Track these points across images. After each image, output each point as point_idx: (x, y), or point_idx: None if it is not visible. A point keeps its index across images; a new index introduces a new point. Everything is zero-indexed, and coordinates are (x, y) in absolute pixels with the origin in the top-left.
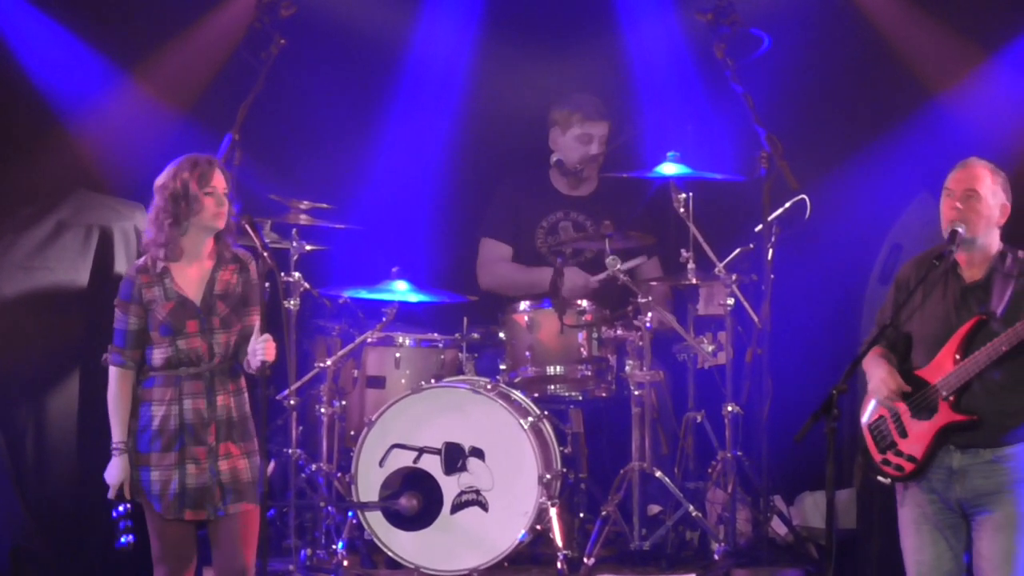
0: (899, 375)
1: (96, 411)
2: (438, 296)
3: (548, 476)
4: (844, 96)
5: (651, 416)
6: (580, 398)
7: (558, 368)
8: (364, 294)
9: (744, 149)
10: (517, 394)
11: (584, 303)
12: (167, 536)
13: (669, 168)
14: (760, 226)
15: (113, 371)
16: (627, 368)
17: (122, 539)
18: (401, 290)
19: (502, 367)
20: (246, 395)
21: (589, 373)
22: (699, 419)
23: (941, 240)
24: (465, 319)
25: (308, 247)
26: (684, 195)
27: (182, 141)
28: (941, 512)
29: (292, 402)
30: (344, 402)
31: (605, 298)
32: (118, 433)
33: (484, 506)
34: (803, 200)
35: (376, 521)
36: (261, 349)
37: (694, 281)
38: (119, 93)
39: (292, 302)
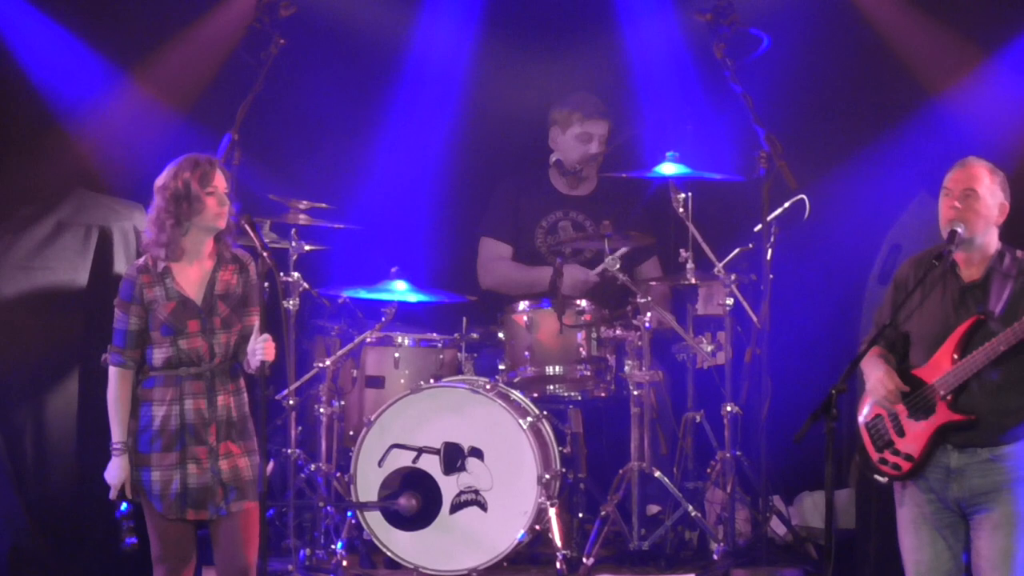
0: (897, 375)
1: (95, 411)
2: (437, 296)
3: (547, 476)
4: (843, 96)
5: (650, 416)
6: (579, 398)
7: (557, 368)
8: (363, 294)
9: (743, 149)
10: (516, 394)
11: (583, 303)
12: (168, 536)
13: (668, 168)
14: (759, 226)
15: (113, 371)
16: (626, 368)
17: (127, 540)
18: (400, 290)
19: (501, 367)
20: (246, 395)
21: (588, 373)
22: (698, 419)
23: (940, 240)
24: (464, 319)
25: (307, 247)
26: (683, 195)
27: (181, 141)
28: (939, 512)
29: (291, 402)
30: (343, 402)
31: (604, 298)
32: (118, 433)
33: (483, 506)
34: (802, 200)
35: (375, 521)
36: (260, 349)
37: (693, 281)
38: (118, 93)
39: (291, 302)
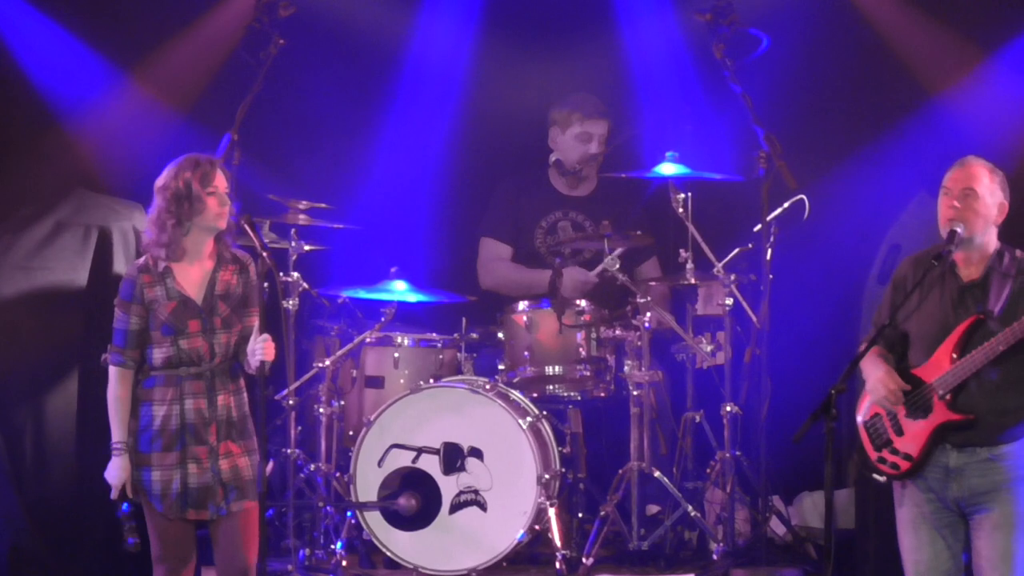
0: (897, 375)
1: (95, 411)
2: (437, 296)
3: (547, 476)
4: (843, 96)
5: (650, 416)
6: (579, 398)
7: (557, 368)
8: (363, 294)
9: (743, 149)
10: (516, 394)
11: (583, 303)
12: (168, 536)
13: (668, 168)
14: (759, 226)
15: (113, 371)
16: (626, 368)
17: (129, 539)
18: (400, 290)
19: (501, 367)
20: (245, 395)
21: (588, 373)
22: (698, 419)
23: (940, 240)
24: (464, 319)
25: (307, 247)
26: (683, 195)
27: (181, 141)
28: (939, 511)
29: (291, 402)
30: (343, 402)
31: (604, 298)
32: (118, 433)
33: (483, 506)
34: (802, 200)
35: (375, 521)
36: (260, 349)
37: (693, 281)
38: (118, 93)
39: (291, 302)
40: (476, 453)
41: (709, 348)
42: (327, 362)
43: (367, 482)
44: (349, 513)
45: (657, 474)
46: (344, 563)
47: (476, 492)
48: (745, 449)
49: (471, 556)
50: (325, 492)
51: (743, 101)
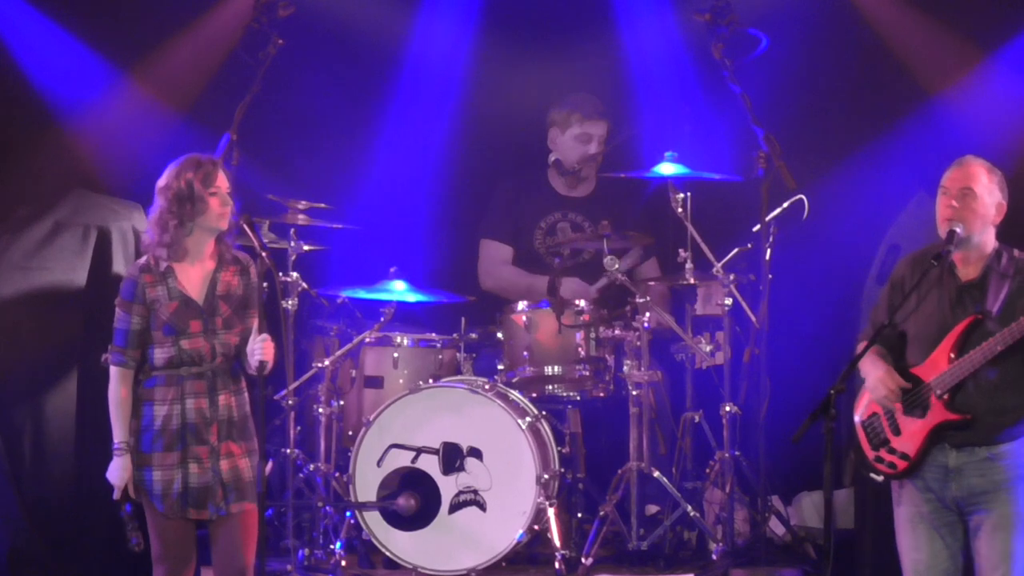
0: (896, 374)
1: (94, 411)
2: (436, 296)
3: (546, 476)
4: (842, 96)
5: (649, 416)
6: (578, 398)
7: (556, 368)
8: (362, 294)
9: (742, 149)
10: (515, 394)
11: (582, 303)
12: (168, 536)
13: (667, 168)
14: (758, 226)
15: (114, 371)
16: (625, 368)
17: (132, 539)
18: (399, 290)
19: (500, 367)
20: (247, 395)
21: (587, 373)
22: (697, 419)
23: (939, 240)
24: (463, 319)
25: (306, 247)
26: (682, 195)
27: (180, 141)
28: (937, 511)
29: (290, 402)
30: (342, 402)
31: (603, 298)
32: (120, 433)
33: (482, 506)
34: (801, 200)
35: (374, 521)
36: (259, 349)
37: (692, 281)
38: (117, 93)
39: (290, 302)
40: (475, 453)
41: (708, 348)
42: (326, 362)
43: (366, 482)
44: (348, 513)
45: (656, 474)
46: (343, 563)
47: (475, 492)
48: (744, 449)
49: (470, 556)
50: (324, 492)
51: (742, 101)
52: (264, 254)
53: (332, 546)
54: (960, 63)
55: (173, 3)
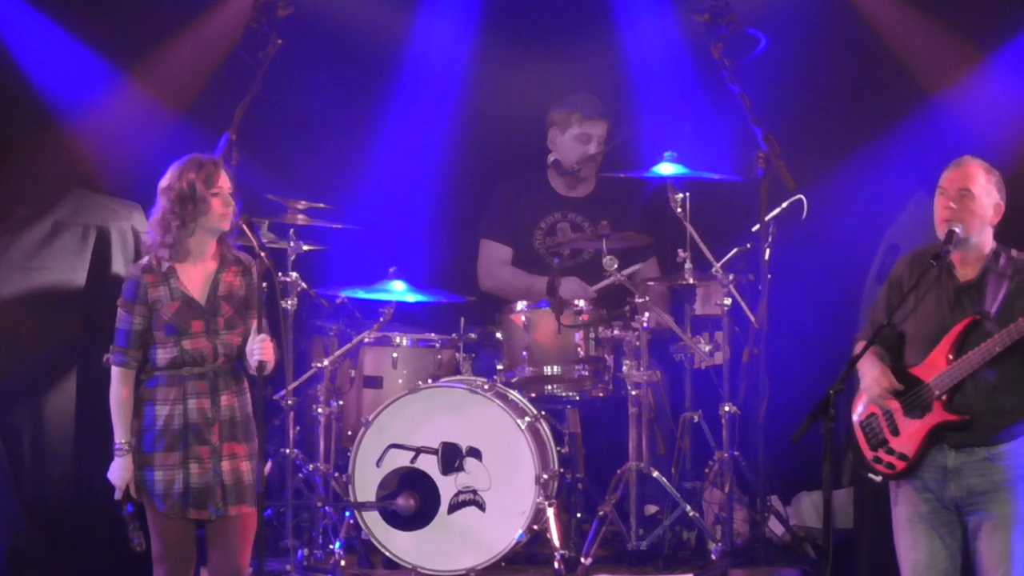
0: (892, 374)
1: (94, 411)
2: (435, 296)
3: (545, 476)
4: (841, 96)
5: (648, 416)
6: (577, 398)
7: (555, 368)
8: (361, 294)
9: (741, 149)
10: (514, 394)
11: (581, 303)
12: (169, 536)
13: (666, 168)
14: (757, 226)
15: (116, 371)
16: (624, 368)
17: (134, 539)
18: (398, 290)
19: (499, 367)
20: (249, 395)
21: (586, 373)
22: (696, 419)
23: (938, 240)
24: (462, 319)
25: (305, 247)
26: (681, 195)
27: (179, 141)
28: (936, 511)
29: (289, 402)
30: (341, 402)
31: (603, 298)
32: (121, 433)
33: (481, 506)
34: (800, 200)
35: (373, 521)
36: (258, 349)
37: (691, 281)
38: (116, 93)
39: (289, 302)
40: (475, 453)
41: (707, 348)
42: (325, 362)
43: (366, 482)
44: (348, 513)
45: (655, 474)
46: (343, 563)
47: (475, 492)
48: (743, 449)
49: (470, 556)
50: (324, 492)
51: (741, 101)
52: (263, 254)
53: (331, 546)
54: (960, 63)
55: (173, 3)
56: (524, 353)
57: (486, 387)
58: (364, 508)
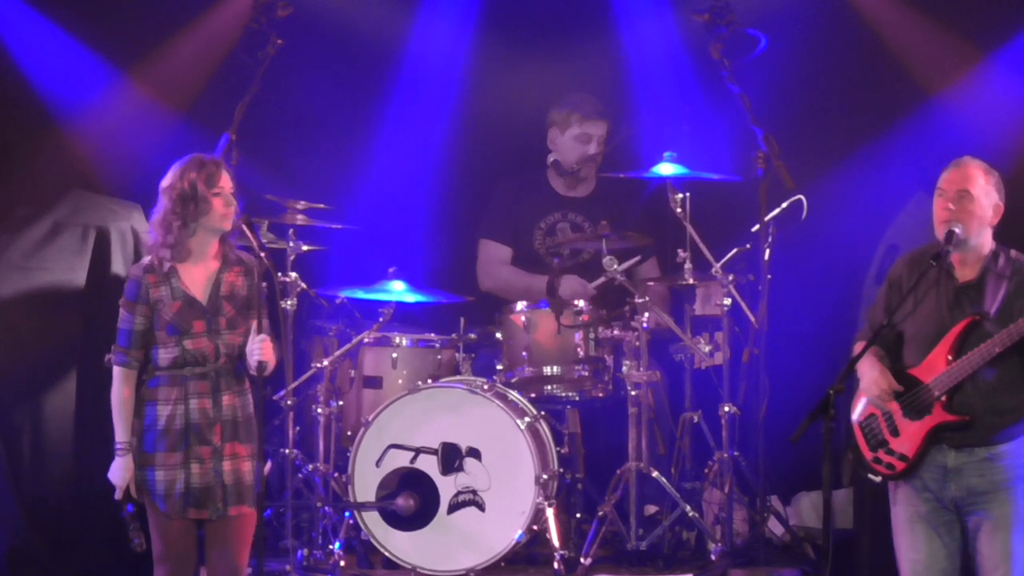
0: (891, 375)
1: (93, 411)
2: (435, 296)
3: (545, 476)
4: (841, 96)
5: (648, 416)
6: (577, 398)
7: (555, 368)
8: (361, 294)
9: (741, 149)
10: (514, 394)
11: (581, 303)
12: (170, 536)
13: (666, 168)
14: (757, 226)
15: (117, 371)
16: (624, 368)
17: (134, 539)
18: (398, 290)
19: (499, 367)
20: (251, 395)
21: (586, 373)
22: (696, 419)
23: (937, 241)
24: (462, 319)
25: (305, 247)
26: (681, 195)
27: (179, 141)
28: (935, 511)
29: (289, 402)
30: (341, 402)
31: (602, 298)
32: (122, 433)
33: (481, 506)
34: (800, 200)
35: (373, 521)
36: (257, 349)
37: (691, 281)
38: (116, 93)
39: (289, 302)
40: (474, 453)
41: (707, 348)
42: (325, 362)
43: (365, 482)
44: (347, 513)
45: (655, 474)
46: (342, 563)
47: (474, 492)
48: (743, 449)
49: (469, 556)
50: (323, 492)
51: (741, 101)
52: (263, 254)
53: (331, 546)
54: (959, 63)
55: (172, 3)
56: (524, 353)
57: (486, 387)
58: (364, 508)
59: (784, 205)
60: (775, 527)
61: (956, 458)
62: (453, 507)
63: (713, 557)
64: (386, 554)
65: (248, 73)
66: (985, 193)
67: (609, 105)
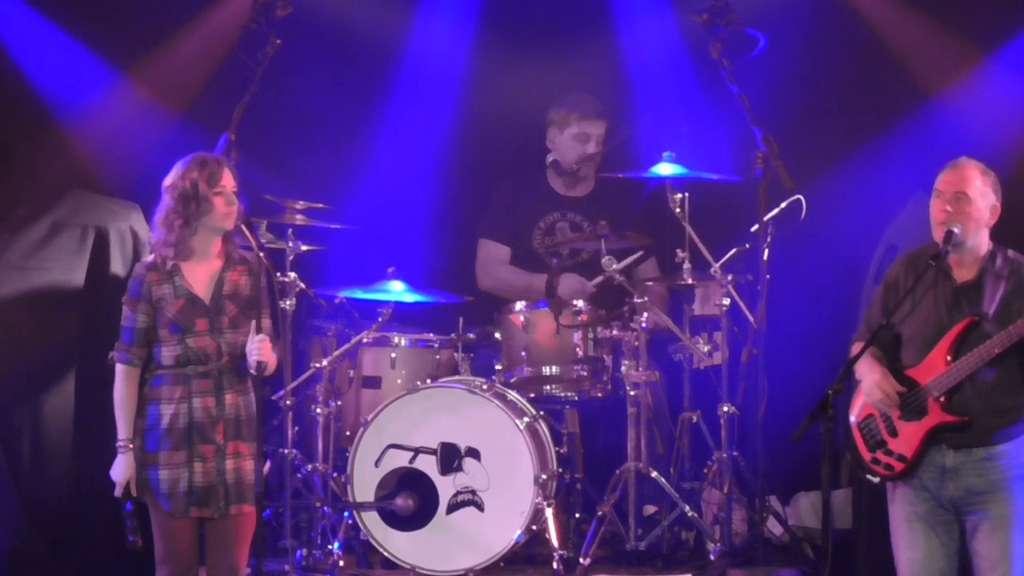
0: (893, 378)
1: (93, 411)
2: (434, 296)
3: (544, 476)
4: (840, 96)
5: (647, 416)
6: (576, 398)
7: (554, 368)
8: (360, 294)
9: (740, 149)
10: (513, 394)
11: (580, 303)
12: (174, 535)
13: (665, 168)
14: (756, 226)
15: (120, 369)
16: (623, 368)
17: (129, 537)
18: (397, 290)
19: (498, 367)
20: (253, 395)
21: (585, 373)
22: (695, 419)
23: (935, 241)
24: (461, 319)
25: (304, 247)
26: (680, 195)
27: (178, 141)
28: (933, 510)
29: (288, 402)
30: (340, 402)
31: (601, 298)
32: (124, 430)
33: (480, 506)
34: (799, 200)
35: (372, 521)
36: (256, 350)
37: (690, 281)
38: (115, 93)
39: (288, 302)
40: (473, 453)
41: (706, 348)
42: (324, 362)
43: (364, 482)
44: (346, 513)
45: (654, 474)
46: (341, 563)
47: (473, 492)
48: (742, 449)
49: (468, 556)
50: (322, 492)
51: (740, 101)
52: (262, 254)
53: (330, 546)
54: (959, 63)
55: (171, 3)
56: (523, 353)
57: (485, 387)
58: (363, 508)
59: (783, 205)
60: (774, 527)
61: (954, 458)
62: (452, 507)
63: (712, 557)
64: (385, 554)
65: (247, 73)
66: (982, 195)
67: (608, 105)
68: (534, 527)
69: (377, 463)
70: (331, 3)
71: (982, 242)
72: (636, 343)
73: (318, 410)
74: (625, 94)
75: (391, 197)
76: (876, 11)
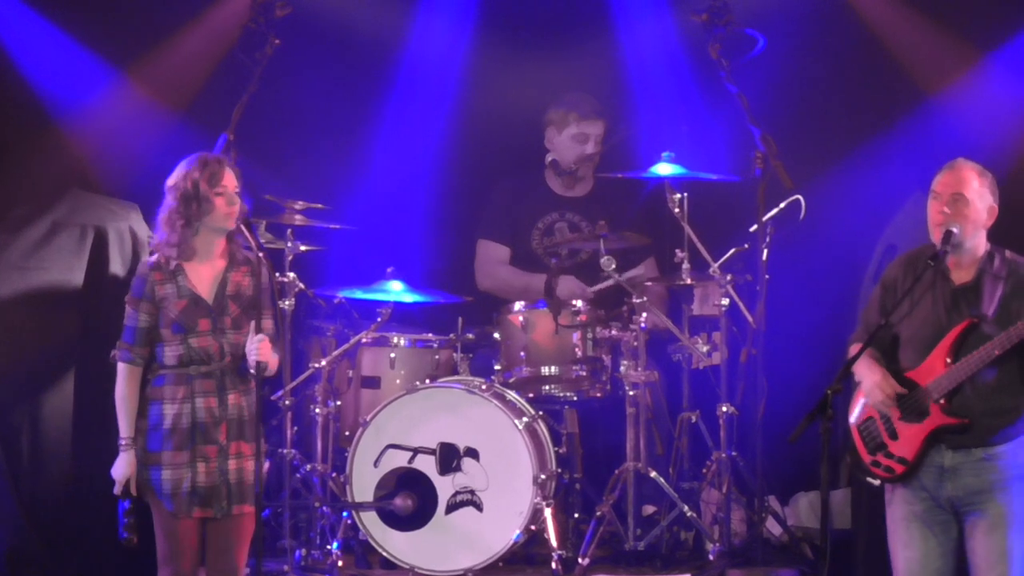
0: (893, 379)
1: (92, 411)
2: (433, 296)
3: (543, 476)
4: (839, 96)
5: (646, 416)
6: (575, 398)
7: (553, 368)
8: (359, 294)
9: (739, 149)
10: (512, 394)
11: (579, 303)
12: (176, 536)
13: (664, 168)
14: (755, 226)
15: (121, 367)
16: (622, 368)
17: (123, 534)
18: (396, 290)
19: (497, 367)
20: (255, 395)
21: (584, 373)
22: (694, 419)
23: (932, 243)
24: (460, 319)
25: (303, 247)
26: (679, 195)
27: (177, 141)
28: (931, 510)
29: (287, 402)
30: (339, 402)
31: (600, 299)
32: (125, 429)
33: (479, 506)
34: (798, 200)
35: (371, 521)
36: (255, 350)
37: (689, 281)
38: (114, 93)
39: (287, 302)
40: (472, 453)
41: (705, 348)
42: (323, 362)
43: (363, 482)
44: (345, 513)
45: (653, 474)
46: (340, 563)
47: (472, 492)
48: (741, 449)
49: (467, 556)
50: (321, 492)
51: (739, 101)
52: (261, 254)
53: (329, 546)
54: (957, 63)
55: (170, 3)
56: (522, 353)
57: (484, 387)
58: (362, 508)
59: (782, 205)
60: (773, 527)
61: (953, 458)
62: (451, 507)
63: (711, 557)
64: (384, 554)
65: (246, 73)
66: (979, 196)
67: (607, 105)
68: (533, 527)
69: (376, 463)
70: (330, 3)
71: (980, 243)
72: (635, 343)
73: (317, 410)
74: (624, 94)
75: (390, 197)
76: (875, 11)
